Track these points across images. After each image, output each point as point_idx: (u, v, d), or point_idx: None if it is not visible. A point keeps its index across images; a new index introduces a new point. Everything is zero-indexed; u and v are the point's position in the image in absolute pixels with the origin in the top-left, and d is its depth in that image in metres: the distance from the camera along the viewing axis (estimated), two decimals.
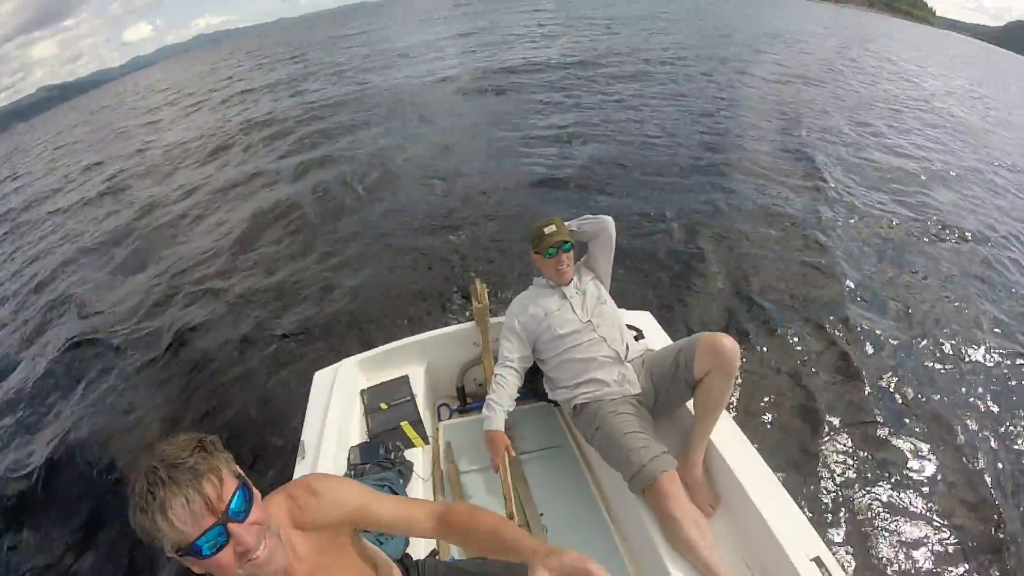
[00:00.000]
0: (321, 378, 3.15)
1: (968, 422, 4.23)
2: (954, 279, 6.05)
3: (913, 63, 27.40)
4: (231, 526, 1.07)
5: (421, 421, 2.94)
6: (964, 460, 3.93)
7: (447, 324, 3.61)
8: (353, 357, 3.25)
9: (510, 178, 8.00)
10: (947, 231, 7.22)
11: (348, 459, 2.67)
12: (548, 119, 11.59)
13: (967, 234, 7.15)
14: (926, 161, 10.55)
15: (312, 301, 5.58)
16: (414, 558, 1.91)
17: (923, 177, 9.44)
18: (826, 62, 22.14)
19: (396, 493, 2.36)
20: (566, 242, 2.87)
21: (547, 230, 2.89)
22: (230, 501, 1.08)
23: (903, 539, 3.40)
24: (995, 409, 4.39)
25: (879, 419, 4.15)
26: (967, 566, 3.30)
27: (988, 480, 3.79)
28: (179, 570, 3.34)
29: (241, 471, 1.17)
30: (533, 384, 3.06)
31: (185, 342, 5.44)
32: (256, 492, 1.18)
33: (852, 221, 7.17)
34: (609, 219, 2.96)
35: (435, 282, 5.54)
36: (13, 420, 5.31)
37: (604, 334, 2.76)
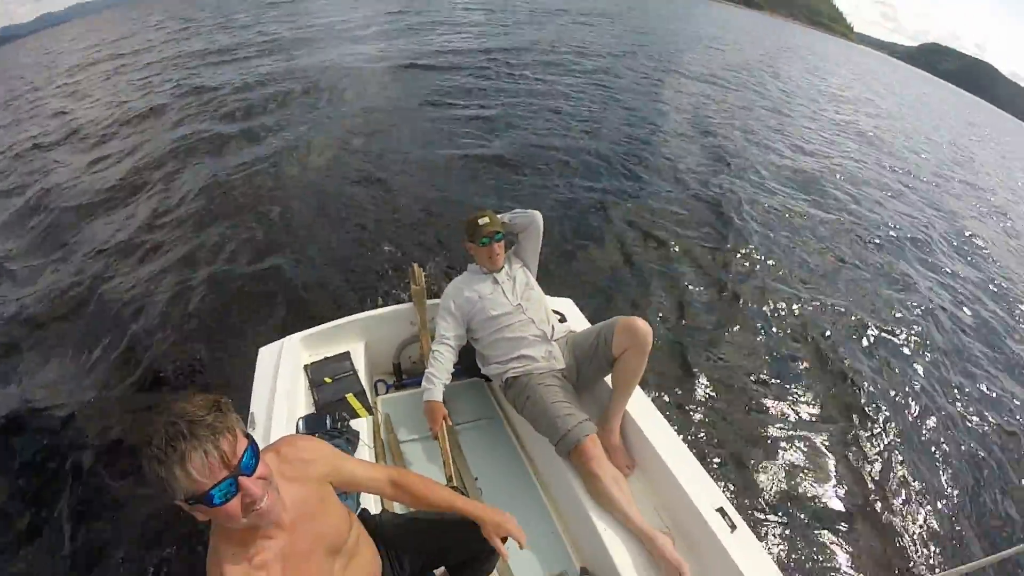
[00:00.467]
0: (266, 353, 3.28)
1: (850, 385, 4.91)
2: (861, 267, 6.85)
3: (825, 72, 28.61)
4: (241, 479, 1.24)
5: (364, 393, 3.16)
6: (846, 419, 4.61)
7: (385, 304, 3.78)
8: (297, 334, 3.40)
9: (441, 160, 8.12)
10: (849, 226, 7.98)
11: (297, 429, 2.83)
12: (474, 102, 11.67)
13: (863, 223, 8.06)
14: (829, 159, 11.58)
15: (251, 280, 5.61)
16: (371, 512, 2.16)
17: (827, 175, 10.37)
18: (746, 66, 23.35)
19: None
20: (498, 232, 3.14)
21: (481, 221, 3.15)
22: (242, 457, 1.25)
23: (793, 490, 3.93)
24: (876, 368, 5.08)
25: (773, 388, 4.73)
26: (845, 509, 3.89)
27: (863, 434, 4.48)
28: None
29: (247, 430, 1.37)
30: (465, 361, 3.30)
31: (121, 318, 5.37)
32: (266, 452, 1.38)
33: (758, 210, 7.77)
34: (538, 214, 3.25)
35: (372, 263, 5.67)
36: None
37: (532, 316, 3.06)
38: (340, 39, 17.78)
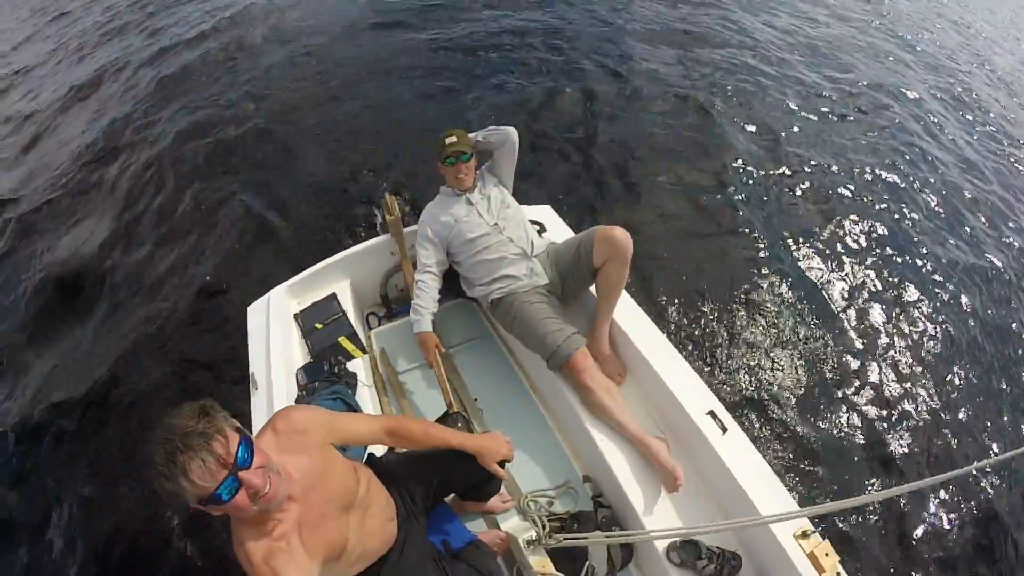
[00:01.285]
0: (255, 310, 3.32)
1: (830, 295, 4.90)
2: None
3: None
4: (241, 474, 1.34)
5: (356, 333, 3.20)
6: (826, 325, 4.64)
7: (363, 239, 3.75)
8: (281, 285, 3.41)
9: (403, 86, 7.66)
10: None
11: (296, 381, 2.90)
12: (434, 27, 11.14)
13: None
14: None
15: (226, 235, 5.49)
16: (376, 456, 2.25)
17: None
18: None
19: (349, 403, 2.66)
20: (464, 152, 3.07)
21: (448, 141, 3.09)
22: (236, 453, 1.35)
23: (781, 391, 4.06)
24: (857, 278, 5.06)
25: (756, 289, 4.73)
26: (837, 407, 4.05)
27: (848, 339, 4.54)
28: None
29: (238, 423, 1.43)
30: (452, 283, 3.33)
31: (102, 296, 5.31)
32: (254, 439, 1.45)
33: (740, 105, 7.42)
34: (512, 130, 3.17)
35: (344, 200, 5.57)
36: None
37: (510, 234, 3.05)
38: None
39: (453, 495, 2.39)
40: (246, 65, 9.02)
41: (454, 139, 3.09)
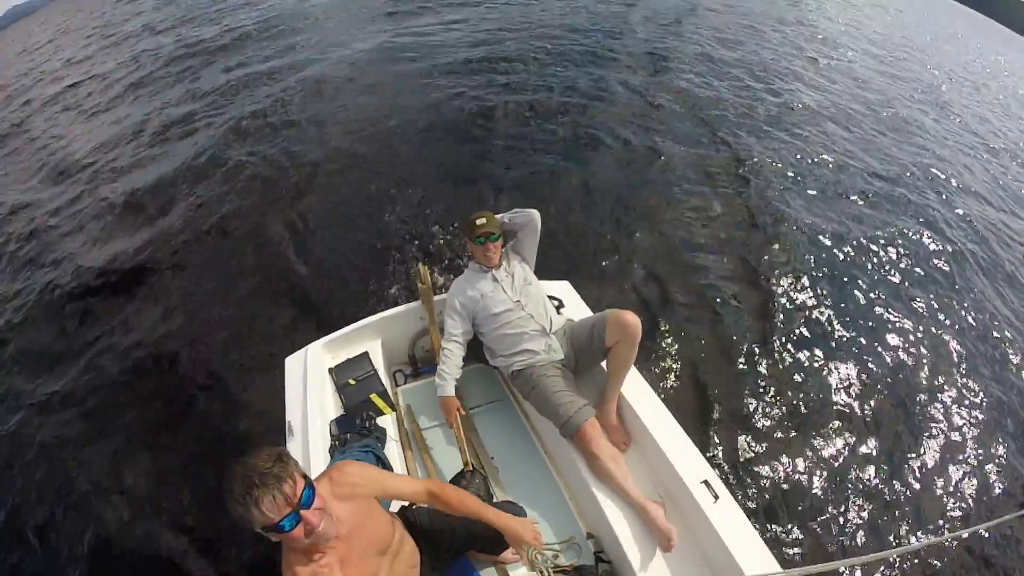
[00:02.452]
0: (292, 363, 3.63)
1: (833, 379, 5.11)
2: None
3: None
4: (302, 512, 1.66)
5: (386, 391, 3.50)
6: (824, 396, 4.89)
7: (395, 301, 4.05)
8: (318, 341, 3.72)
9: (439, 156, 8.00)
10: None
11: (330, 431, 3.18)
12: (475, 84, 11.31)
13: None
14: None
15: (266, 290, 5.87)
16: (407, 507, 2.54)
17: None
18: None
19: (380, 457, 2.95)
20: (493, 233, 3.44)
21: (479, 222, 3.45)
22: (300, 495, 1.66)
23: (774, 467, 4.27)
24: (856, 371, 5.24)
25: (754, 375, 4.96)
26: (827, 481, 4.25)
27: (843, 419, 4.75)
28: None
29: (304, 472, 1.75)
30: (475, 348, 3.62)
31: (143, 345, 5.60)
32: (316, 484, 1.77)
33: (775, 199, 7.51)
34: (535, 212, 3.53)
35: (378, 264, 5.91)
36: None
37: (531, 311, 3.37)
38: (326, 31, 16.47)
39: (471, 551, 2.66)
40: (294, 124, 9.38)
41: (484, 221, 3.45)
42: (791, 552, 3.78)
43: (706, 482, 2.68)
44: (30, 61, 24.95)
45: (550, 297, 3.66)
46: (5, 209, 9.37)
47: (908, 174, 9.26)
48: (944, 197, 8.80)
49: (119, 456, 4.63)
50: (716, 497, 2.62)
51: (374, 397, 3.44)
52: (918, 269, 6.72)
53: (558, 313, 3.58)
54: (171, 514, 4.13)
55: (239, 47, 15.05)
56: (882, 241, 7.04)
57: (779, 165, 8.44)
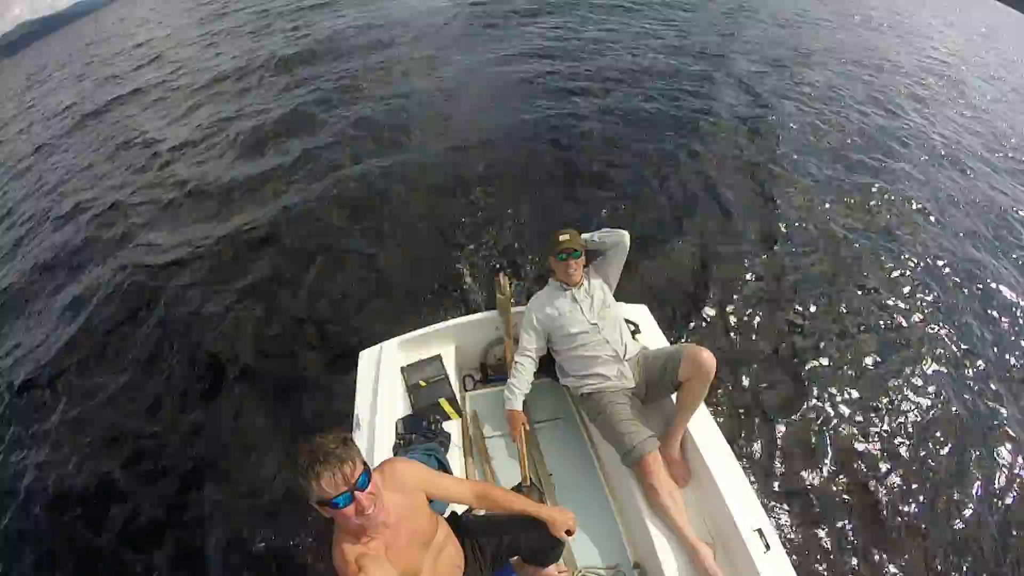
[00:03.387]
0: (366, 357, 3.76)
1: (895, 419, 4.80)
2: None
3: None
4: (356, 493, 1.78)
5: (455, 397, 3.58)
6: (894, 453, 4.56)
7: (471, 308, 4.12)
8: (394, 339, 3.83)
9: (534, 172, 8.00)
10: None
11: (396, 430, 3.29)
12: (548, 65, 11.61)
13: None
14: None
15: (347, 286, 6.10)
16: (458, 513, 2.62)
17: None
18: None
19: (441, 461, 3.03)
20: (575, 250, 3.48)
21: (562, 238, 3.50)
22: (358, 478, 1.79)
23: (831, 522, 4.04)
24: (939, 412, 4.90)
25: (828, 427, 4.68)
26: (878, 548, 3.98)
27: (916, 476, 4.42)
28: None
29: (365, 459, 1.88)
30: (546, 361, 3.63)
31: (233, 324, 5.90)
32: (372, 471, 1.90)
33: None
34: (626, 233, 3.55)
35: (460, 269, 6.05)
36: None
37: (607, 336, 3.37)
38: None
39: (517, 557, 2.70)
40: (390, 129, 9.69)
41: (567, 237, 3.49)
42: None
43: (760, 531, 2.62)
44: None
45: (627, 321, 3.65)
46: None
47: None
48: None
49: (190, 428, 4.97)
50: (768, 547, 2.56)
51: (442, 401, 3.53)
52: None
53: (633, 339, 3.56)
54: (242, 484, 4.38)
55: (329, 55, 15.39)
56: None
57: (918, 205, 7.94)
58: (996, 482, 4.45)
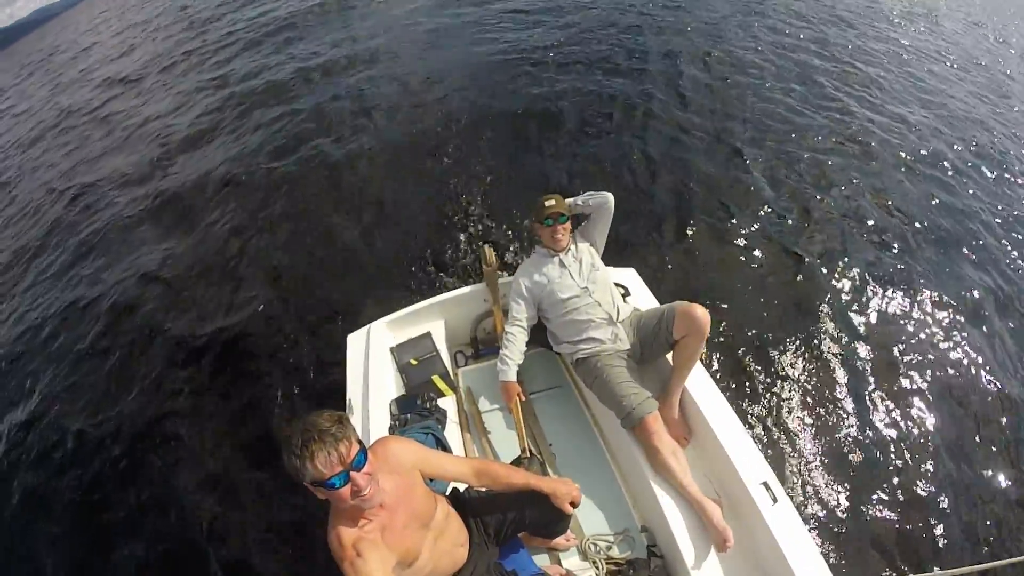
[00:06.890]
0: (354, 340, 3.70)
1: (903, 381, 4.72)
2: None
3: None
4: (352, 473, 1.71)
5: (448, 373, 3.52)
6: (898, 414, 4.48)
7: (457, 282, 4.04)
8: (382, 319, 3.77)
9: (511, 140, 7.86)
10: None
11: (390, 411, 3.23)
12: (527, 36, 11.34)
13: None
14: None
15: (330, 266, 6.00)
16: (460, 491, 2.56)
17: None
18: None
19: (439, 438, 2.98)
20: (562, 215, 3.40)
21: (547, 203, 3.42)
22: (353, 458, 1.72)
23: (836, 472, 4.03)
24: (935, 365, 4.85)
25: (828, 376, 4.65)
26: (888, 493, 3.96)
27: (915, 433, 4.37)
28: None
29: (360, 438, 1.80)
30: (538, 331, 3.58)
31: (213, 322, 5.80)
32: (368, 452, 1.82)
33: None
34: (609, 195, 3.48)
35: (441, 245, 5.93)
36: None
37: (598, 298, 3.31)
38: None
39: (524, 533, 2.66)
40: (361, 104, 9.54)
41: (553, 202, 3.41)
42: (849, 570, 3.56)
43: (766, 484, 2.60)
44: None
45: (616, 284, 3.59)
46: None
47: None
48: None
49: (174, 421, 4.91)
50: (775, 500, 2.54)
51: (435, 378, 3.47)
52: None
53: (624, 301, 3.50)
54: (224, 475, 4.36)
55: (297, 31, 15.19)
56: None
57: (894, 154, 7.79)
58: (1005, 435, 4.44)
